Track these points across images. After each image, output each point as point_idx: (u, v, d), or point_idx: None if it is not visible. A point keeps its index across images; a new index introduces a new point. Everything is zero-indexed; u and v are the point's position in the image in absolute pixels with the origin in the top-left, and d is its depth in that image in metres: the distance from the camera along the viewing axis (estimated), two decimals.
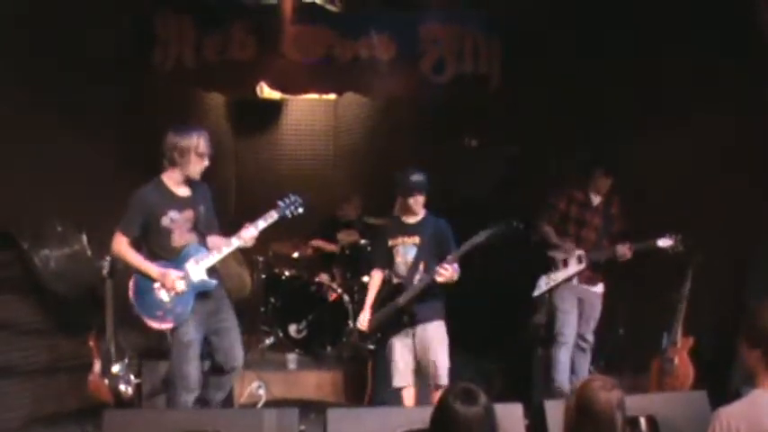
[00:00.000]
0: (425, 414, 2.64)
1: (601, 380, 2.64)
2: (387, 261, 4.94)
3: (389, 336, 4.84)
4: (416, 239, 4.85)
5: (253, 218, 4.55)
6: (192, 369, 4.43)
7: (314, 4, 6.84)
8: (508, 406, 3.69)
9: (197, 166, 4.38)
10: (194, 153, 4.33)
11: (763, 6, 4.95)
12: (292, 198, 4.56)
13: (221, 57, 6.64)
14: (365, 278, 6.47)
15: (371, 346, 4.99)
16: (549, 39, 6.39)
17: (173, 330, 4.44)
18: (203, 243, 4.50)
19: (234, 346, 4.60)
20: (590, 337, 5.62)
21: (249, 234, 4.45)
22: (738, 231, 5.22)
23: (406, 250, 4.87)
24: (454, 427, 2.50)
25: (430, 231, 4.84)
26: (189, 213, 4.40)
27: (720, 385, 4.70)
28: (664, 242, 5.21)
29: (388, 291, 4.91)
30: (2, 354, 5.12)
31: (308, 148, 9.01)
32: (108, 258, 5.04)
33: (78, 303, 5.45)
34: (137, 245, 4.43)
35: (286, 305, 6.67)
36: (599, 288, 5.60)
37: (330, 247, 7.25)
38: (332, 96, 8.38)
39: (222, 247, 4.46)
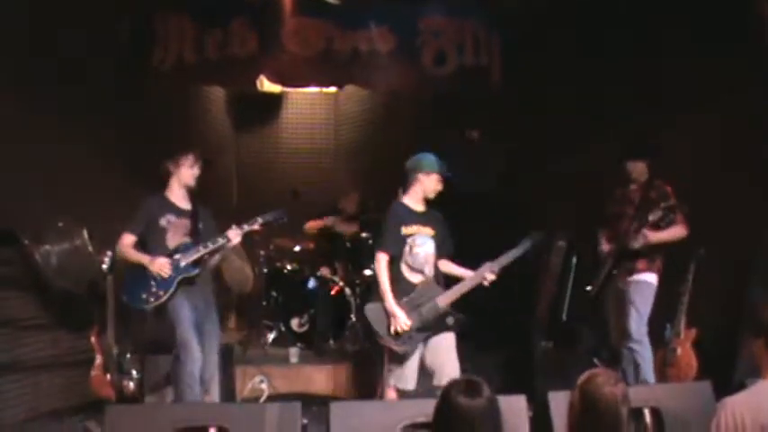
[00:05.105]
0: (429, 407, 2.62)
1: (604, 374, 2.62)
2: (399, 248, 4.63)
3: (419, 337, 4.57)
4: (430, 231, 4.67)
5: (254, 211, 5.01)
6: (191, 336, 4.72)
7: None
8: (512, 398, 3.68)
9: (190, 174, 4.96)
10: (185, 164, 4.95)
11: (764, 5, 4.94)
12: (280, 212, 5.02)
13: (222, 53, 6.62)
14: (367, 271, 6.47)
15: (407, 347, 4.56)
16: (549, 32, 6.36)
17: (166, 307, 4.76)
18: (195, 244, 4.88)
19: (211, 355, 4.87)
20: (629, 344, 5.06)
21: (235, 234, 4.87)
22: (740, 227, 5.19)
23: (423, 241, 4.64)
24: (458, 420, 2.48)
25: (440, 224, 4.72)
26: (185, 221, 4.93)
27: (723, 376, 4.69)
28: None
29: (411, 289, 4.60)
30: (4, 350, 5.10)
31: (309, 142, 9.01)
32: (109, 254, 5.09)
33: (80, 299, 5.45)
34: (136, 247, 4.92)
35: (288, 299, 6.66)
36: (632, 277, 5.11)
37: (322, 223, 7.17)
38: (332, 89, 8.37)
39: (208, 243, 4.84)
